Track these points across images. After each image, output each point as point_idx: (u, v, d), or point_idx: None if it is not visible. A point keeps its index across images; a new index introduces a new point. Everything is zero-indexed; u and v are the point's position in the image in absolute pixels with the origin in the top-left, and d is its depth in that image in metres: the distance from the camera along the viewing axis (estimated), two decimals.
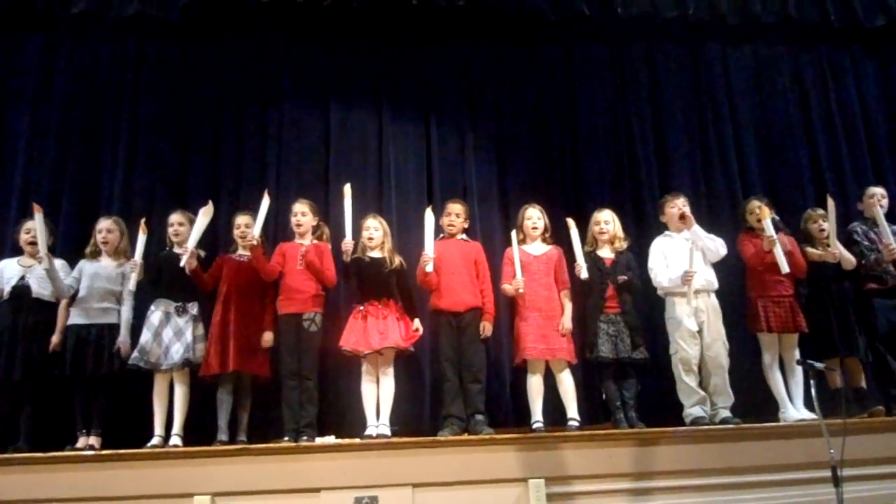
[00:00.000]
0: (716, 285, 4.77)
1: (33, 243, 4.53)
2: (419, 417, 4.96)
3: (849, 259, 4.88)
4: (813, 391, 3.52)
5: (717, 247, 4.78)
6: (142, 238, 4.53)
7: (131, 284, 4.49)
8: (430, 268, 4.50)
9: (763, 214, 4.73)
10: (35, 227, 4.45)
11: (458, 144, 5.70)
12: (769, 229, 4.66)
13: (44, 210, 4.50)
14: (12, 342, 4.39)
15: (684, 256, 4.68)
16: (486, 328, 4.66)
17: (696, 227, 4.76)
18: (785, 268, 4.57)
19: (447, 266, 4.66)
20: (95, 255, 4.69)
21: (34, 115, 5.41)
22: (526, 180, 5.63)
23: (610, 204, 5.18)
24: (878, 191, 5.17)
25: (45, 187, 5.22)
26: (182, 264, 4.43)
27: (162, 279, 4.61)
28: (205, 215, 4.55)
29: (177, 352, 4.45)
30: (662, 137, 5.91)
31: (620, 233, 4.89)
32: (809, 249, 4.92)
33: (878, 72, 6.33)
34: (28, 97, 5.44)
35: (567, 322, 4.60)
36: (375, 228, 4.74)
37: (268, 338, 4.60)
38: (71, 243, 4.90)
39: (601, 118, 5.91)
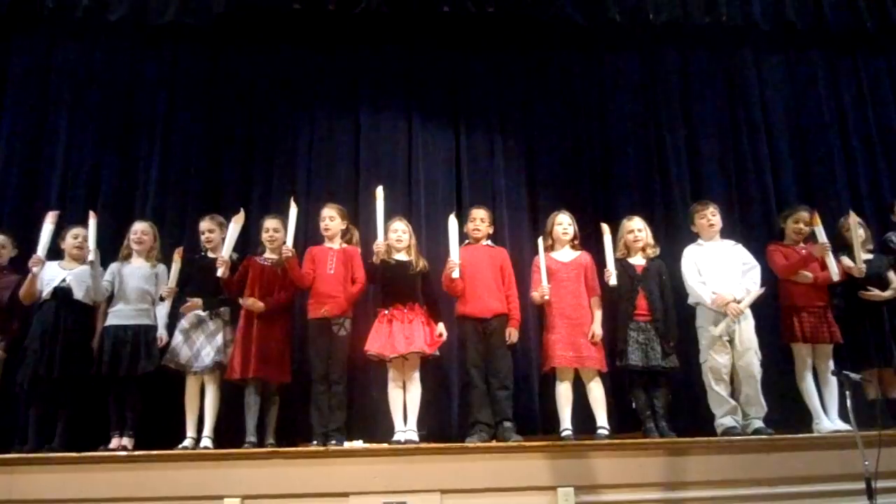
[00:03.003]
0: None
1: (80, 248, 4.68)
2: (447, 424, 4.97)
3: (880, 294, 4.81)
4: (848, 402, 3.46)
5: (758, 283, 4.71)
6: (175, 266, 4.57)
7: (164, 309, 4.58)
8: (455, 274, 4.51)
9: (815, 222, 4.67)
10: (82, 234, 4.67)
11: (488, 151, 5.71)
12: (822, 236, 4.61)
13: (81, 216, 4.63)
14: (52, 343, 4.46)
15: (717, 265, 4.68)
16: (513, 335, 4.65)
17: (744, 306, 4.60)
18: (836, 276, 4.55)
19: (473, 272, 4.66)
20: (128, 256, 4.77)
21: (71, 121, 5.54)
22: (555, 187, 5.62)
23: (640, 211, 5.15)
24: None
25: (80, 193, 5.34)
26: (219, 274, 4.49)
27: (193, 283, 4.66)
28: (236, 223, 4.59)
29: (207, 354, 4.52)
30: (694, 145, 5.85)
31: (651, 240, 4.85)
32: (844, 259, 4.84)
33: None
34: (65, 103, 5.57)
35: (597, 329, 4.57)
36: (403, 231, 4.76)
37: (251, 303, 4.58)
38: (105, 249, 4.93)
39: (632, 125, 5.88)
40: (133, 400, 4.50)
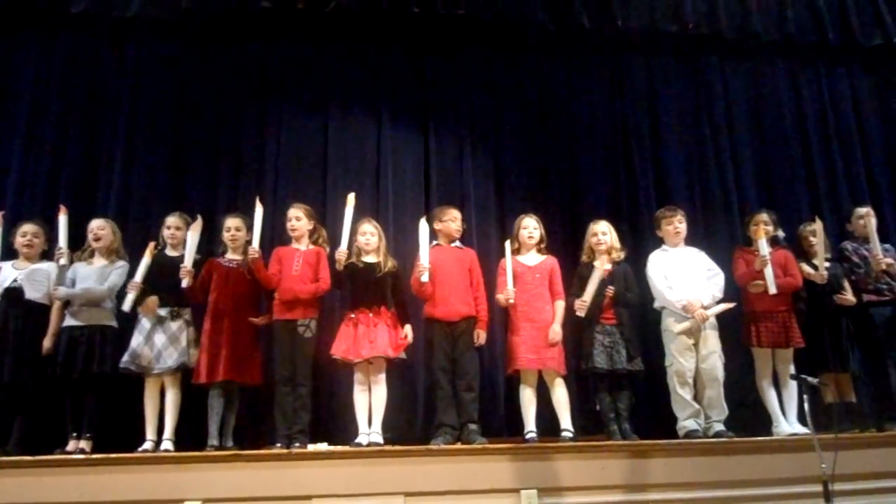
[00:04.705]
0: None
1: (29, 245, 4.58)
2: (412, 426, 4.95)
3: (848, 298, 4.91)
4: (806, 406, 3.53)
5: (722, 289, 4.78)
6: (146, 261, 4.48)
7: (126, 305, 4.42)
8: (425, 277, 4.48)
9: (758, 234, 4.75)
10: (30, 231, 4.62)
11: (457, 153, 5.72)
12: (763, 249, 4.67)
13: (40, 214, 4.61)
14: (3, 344, 4.36)
15: (682, 271, 4.75)
16: (480, 336, 4.65)
17: (711, 314, 4.68)
18: (773, 289, 4.60)
19: (442, 274, 4.64)
20: (89, 256, 4.67)
21: (31, 116, 5.40)
22: (523, 190, 5.66)
23: (607, 215, 5.19)
24: (865, 210, 5.22)
25: (40, 189, 5.21)
26: (183, 285, 4.43)
27: (153, 280, 4.54)
28: (194, 231, 4.53)
29: (171, 356, 4.44)
30: (660, 150, 5.94)
31: (617, 244, 4.89)
32: (803, 266, 4.94)
33: (875, 89, 6.39)
34: (25, 98, 5.43)
35: (556, 328, 4.57)
36: (372, 234, 4.73)
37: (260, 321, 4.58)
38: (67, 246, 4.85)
39: (599, 129, 5.94)
40: (90, 402, 4.41)
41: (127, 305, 4.43)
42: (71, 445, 4.31)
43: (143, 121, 5.49)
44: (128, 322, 4.59)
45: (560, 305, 4.68)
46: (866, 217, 5.05)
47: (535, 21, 5.78)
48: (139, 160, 5.40)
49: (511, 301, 4.57)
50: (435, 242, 4.81)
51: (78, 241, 4.71)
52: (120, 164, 5.34)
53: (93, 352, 4.42)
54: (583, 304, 4.57)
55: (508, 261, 4.64)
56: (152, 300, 4.51)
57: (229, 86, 5.67)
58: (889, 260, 4.91)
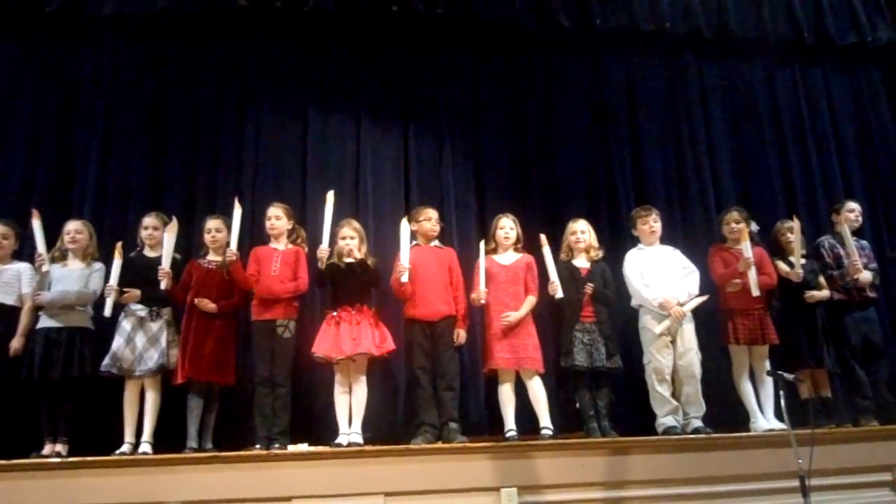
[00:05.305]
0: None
1: None
2: (392, 425, 4.94)
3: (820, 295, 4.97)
4: (782, 402, 3.57)
5: (697, 287, 4.82)
6: (117, 262, 4.43)
7: (107, 310, 4.37)
8: (405, 278, 4.48)
9: (743, 237, 4.78)
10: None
11: (436, 152, 5.71)
12: (747, 252, 4.71)
13: (12, 214, 4.58)
14: None
15: (658, 269, 4.78)
16: (461, 335, 4.66)
17: (687, 309, 4.72)
18: (756, 291, 4.64)
19: (422, 274, 4.64)
20: (62, 258, 4.61)
21: (3, 116, 5.31)
22: (503, 189, 5.66)
23: (585, 214, 5.22)
24: (857, 207, 5.27)
25: (13, 189, 5.14)
26: (162, 287, 4.40)
27: (133, 282, 4.51)
28: (170, 233, 4.49)
29: (151, 357, 4.40)
30: (638, 148, 5.97)
31: (595, 242, 4.92)
32: (779, 263, 4.99)
33: (849, 88, 6.48)
34: None
35: (513, 315, 4.55)
36: (352, 237, 4.71)
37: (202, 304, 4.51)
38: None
39: (578, 128, 5.95)
40: (66, 404, 4.36)
41: (108, 311, 4.39)
42: (47, 449, 4.27)
43: (119, 121, 5.42)
44: (104, 324, 4.54)
45: (530, 300, 4.67)
46: (845, 222, 5.09)
47: (514, 20, 5.78)
48: (115, 161, 5.32)
49: (482, 301, 4.58)
50: (414, 243, 4.80)
51: (50, 242, 4.64)
52: (95, 164, 5.26)
53: (72, 355, 4.37)
54: (554, 285, 4.58)
55: (482, 261, 4.65)
56: (133, 293, 4.46)
57: (207, 85, 5.61)
58: (868, 277, 4.99)
